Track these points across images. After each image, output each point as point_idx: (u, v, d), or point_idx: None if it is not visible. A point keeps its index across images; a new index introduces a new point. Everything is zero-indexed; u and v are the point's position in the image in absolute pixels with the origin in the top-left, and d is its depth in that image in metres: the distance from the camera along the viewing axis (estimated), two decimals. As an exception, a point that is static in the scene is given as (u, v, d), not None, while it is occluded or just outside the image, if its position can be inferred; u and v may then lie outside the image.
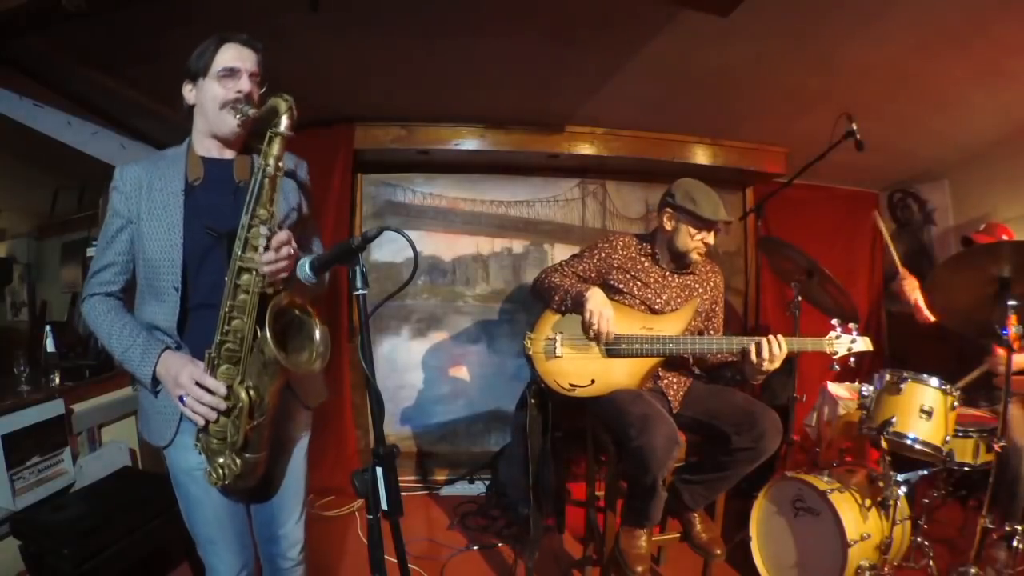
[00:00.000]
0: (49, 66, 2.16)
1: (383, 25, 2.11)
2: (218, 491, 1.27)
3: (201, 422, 1.17)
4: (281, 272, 1.17)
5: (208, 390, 1.15)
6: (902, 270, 2.65)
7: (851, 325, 1.90)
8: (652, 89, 2.65)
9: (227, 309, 1.16)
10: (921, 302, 2.50)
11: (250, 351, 1.16)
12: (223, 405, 1.15)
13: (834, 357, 1.89)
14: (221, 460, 1.18)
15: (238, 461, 1.18)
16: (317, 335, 1.20)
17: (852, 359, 1.90)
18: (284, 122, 1.16)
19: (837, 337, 1.89)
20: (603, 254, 2.10)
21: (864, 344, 1.89)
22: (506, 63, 2.41)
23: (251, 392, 1.14)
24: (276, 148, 1.16)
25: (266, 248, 1.16)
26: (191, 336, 1.24)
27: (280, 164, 1.17)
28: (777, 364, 1.84)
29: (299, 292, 1.22)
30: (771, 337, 1.84)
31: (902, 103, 2.65)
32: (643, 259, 2.10)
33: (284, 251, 1.17)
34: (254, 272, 1.16)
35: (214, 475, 1.19)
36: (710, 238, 2.04)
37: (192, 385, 1.15)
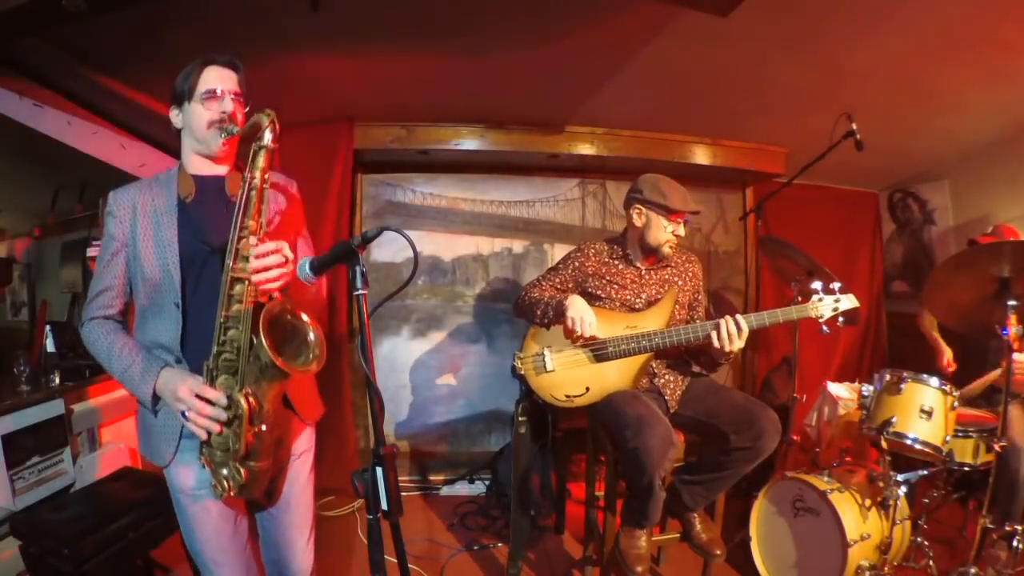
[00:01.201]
0: (49, 66, 2.16)
1: (383, 25, 2.11)
2: (219, 511, 1.27)
3: (204, 435, 1.17)
4: (271, 280, 1.17)
5: (209, 401, 1.15)
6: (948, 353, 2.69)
7: (833, 285, 1.84)
8: (652, 89, 2.65)
9: (222, 320, 1.17)
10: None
11: (247, 360, 1.16)
12: (224, 415, 1.15)
13: (821, 321, 1.84)
14: (225, 472, 1.18)
15: (242, 471, 1.18)
16: (311, 337, 1.21)
17: (840, 319, 1.83)
18: (267, 136, 1.19)
19: (820, 300, 1.84)
20: (576, 263, 2.11)
21: (850, 301, 1.83)
22: (506, 63, 2.41)
23: (250, 398, 1.15)
24: (261, 161, 1.19)
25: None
26: (191, 351, 1.24)
27: (266, 177, 1.20)
28: (740, 344, 1.83)
29: (293, 301, 1.23)
30: (728, 318, 1.82)
31: (902, 103, 2.65)
32: (616, 262, 2.11)
33: (271, 259, 1.16)
34: (246, 282, 1.17)
35: (219, 488, 1.18)
36: (680, 229, 2.04)
37: (192, 398, 1.15)
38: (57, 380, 2.33)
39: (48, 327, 2.61)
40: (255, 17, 1.92)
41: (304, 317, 1.20)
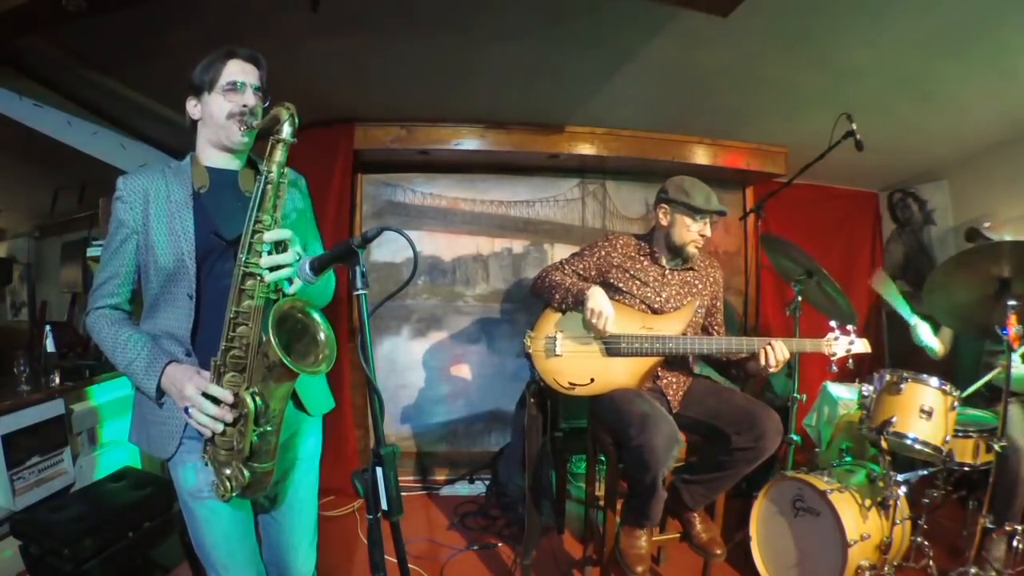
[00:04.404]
0: (49, 66, 2.16)
1: (383, 25, 2.11)
2: (228, 513, 1.25)
3: (208, 433, 1.15)
4: (284, 277, 1.17)
5: (215, 400, 1.14)
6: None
7: (849, 327, 1.91)
8: (652, 89, 2.65)
9: (232, 315, 1.16)
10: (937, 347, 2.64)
11: (256, 357, 1.15)
12: (230, 416, 1.14)
13: (832, 358, 1.91)
14: (228, 472, 1.16)
15: (245, 472, 1.16)
16: (322, 337, 1.19)
17: (850, 360, 1.92)
18: (286, 129, 1.17)
19: (836, 338, 1.91)
20: (603, 252, 2.11)
21: (863, 346, 1.92)
22: (506, 63, 2.41)
23: (256, 398, 1.13)
24: (279, 155, 1.18)
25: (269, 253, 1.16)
26: (202, 343, 1.22)
27: (284, 171, 1.19)
28: (782, 366, 1.89)
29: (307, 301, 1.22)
30: (774, 344, 1.88)
31: (902, 103, 2.65)
32: (642, 258, 2.11)
33: (287, 256, 1.16)
34: (259, 277, 1.16)
35: (221, 488, 1.17)
36: (706, 229, 2.06)
37: (198, 397, 1.14)
38: (57, 380, 2.33)
39: (48, 327, 2.61)
40: (255, 17, 1.92)
41: (316, 316, 1.18)
